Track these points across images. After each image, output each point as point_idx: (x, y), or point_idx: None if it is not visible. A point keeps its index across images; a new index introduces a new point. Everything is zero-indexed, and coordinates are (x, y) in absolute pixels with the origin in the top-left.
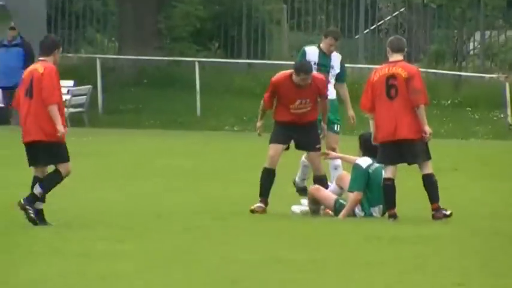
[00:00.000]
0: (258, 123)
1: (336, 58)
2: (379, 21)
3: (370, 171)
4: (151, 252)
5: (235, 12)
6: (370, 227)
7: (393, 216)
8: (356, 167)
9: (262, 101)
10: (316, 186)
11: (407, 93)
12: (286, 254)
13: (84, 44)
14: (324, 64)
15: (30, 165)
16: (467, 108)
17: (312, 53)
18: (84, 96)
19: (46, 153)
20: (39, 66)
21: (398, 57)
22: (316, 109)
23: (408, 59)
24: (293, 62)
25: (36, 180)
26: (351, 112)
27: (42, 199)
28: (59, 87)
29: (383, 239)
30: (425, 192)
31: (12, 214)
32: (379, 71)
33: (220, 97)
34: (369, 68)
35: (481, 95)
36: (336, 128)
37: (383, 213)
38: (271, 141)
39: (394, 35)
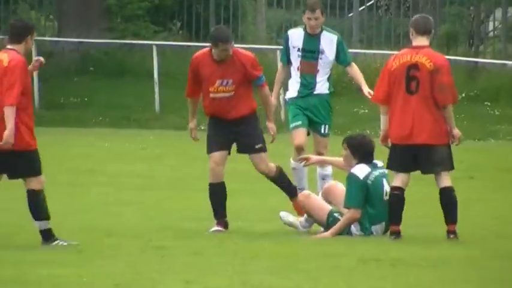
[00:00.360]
0: (190, 124)
1: (327, 40)
2: None
3: (369, 182)
4: (99, 279)
5: None
6: (366, 248)
7: (396, 233)
8: (352, 179)
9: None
10: (306, 192)
11: (430, 89)
12: (265, 280)
13: None
14: (310, 49)
15: None
16: (486, 103)
17: (296, 36)
18: None
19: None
20: (4, 57)
21: (424, 41)
22: (247, 99)
23: None
24: (272, 46)
25: None
26: (365, 88)
27: (43, 220)
28: (26, 83)
29: (382, 261)
30: (441, 209)
31: None
32: (400, 57)
33: (183, 89)
34: (364, 53)
35: (502, 86)
36: (323, 130)
37: (385, 231)
38: (208, 150)
39: (396, 12)
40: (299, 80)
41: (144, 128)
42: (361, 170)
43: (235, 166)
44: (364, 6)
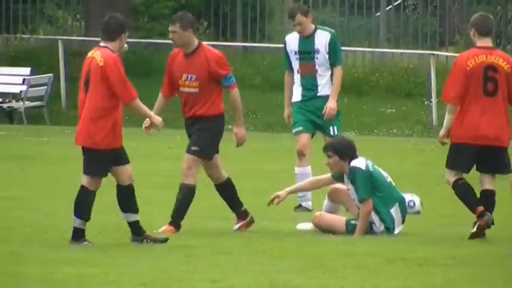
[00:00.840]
0: (148, 120)
1: (321, 38)
2: None
3: (371, 169)
4: (126, 278)
5: None
6: (393, 247)
7: (482, 214)
8: (357, 173)
9: None
10: (318, 213)
11: (507, 91)
12: (291, 279)
13: (42, 23)
14: (306, 50)
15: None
16: None
17: (292, 41)
18: (44, 87)
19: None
20: (97, 55)
21: (489, 42)
22: (211, 101)
23: (441, 41)
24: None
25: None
26: (330, 103)
27: (132, 210)
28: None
29: (409, 260)
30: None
31: None
32: (475, 57)
33: None
34: (392, 52)
35: None
36: (332, 132)
37: (401, 213)
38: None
39: (423, 11)
40: (300, 83)
41: (170, 127)
42: (360, 163)
43: (263, 166)
44: (391, 6)
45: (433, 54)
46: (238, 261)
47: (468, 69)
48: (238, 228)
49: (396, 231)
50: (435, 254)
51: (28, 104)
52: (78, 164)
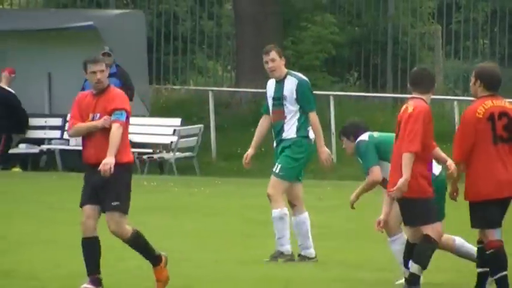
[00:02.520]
0: None
1: (289, 84)
2: None
3: (375, 138)
4: None
5: (379, 35)
6: None
7: None
8: (360, 145)
9: None
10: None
11: None
12: None
13: (193, 74)
14: (277, 96)
15: None
16: None
17: (270, 86)
18: (194, 138)
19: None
20: (410, 105)
21: None
22: (120, 147)
23: None
24: (450, 97)
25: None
26: (321, 150)
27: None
28: (429, 133)
29: None
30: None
31: None
32: None
33: None
34: None
35: None
36: (274, 168)
37: None
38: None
39: None
40: (273, 129)
41: (320, 178)
42: (363, 136)
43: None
44: None
45: None
46: None
47: None
48: None
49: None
50: None
51: (178, 154)
52: (228, 215)
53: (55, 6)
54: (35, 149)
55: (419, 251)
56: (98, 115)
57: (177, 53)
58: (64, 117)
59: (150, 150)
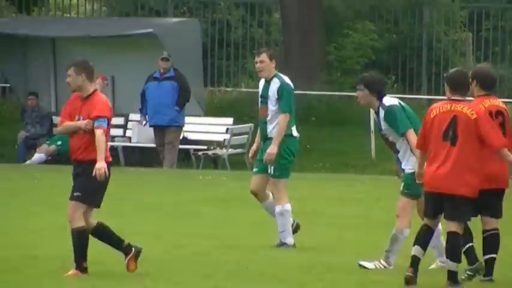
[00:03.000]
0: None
1: (274, 86)
2: None
3: (404, 105)
4: None
5: (415, 42)
6: None
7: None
8: (394, 109)
9: None
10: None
11: None
12: None
13: (244, 77)
14: (263, 94)
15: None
16: None
17: (260, 84)
18: (245, 136)
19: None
20: (464, 109)
21: None
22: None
23: None
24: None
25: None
26: (269, 149)
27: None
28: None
29: None
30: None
31: None
32: None
33: None
34: None
35: None
36: (269, 170)
37: None
38: None
39: None
40: (259, 125)
41: (361, 173)
42: (393, 101)
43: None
44: None
45: None
46: None
47: None
48: None
49: None
50: None
51: (231, 151)
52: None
53: (118, 15)
54: None
55: (452, 248)
56: (81, 118)
57: (230, 58)
58: (126, 116)
59: (205, 147)
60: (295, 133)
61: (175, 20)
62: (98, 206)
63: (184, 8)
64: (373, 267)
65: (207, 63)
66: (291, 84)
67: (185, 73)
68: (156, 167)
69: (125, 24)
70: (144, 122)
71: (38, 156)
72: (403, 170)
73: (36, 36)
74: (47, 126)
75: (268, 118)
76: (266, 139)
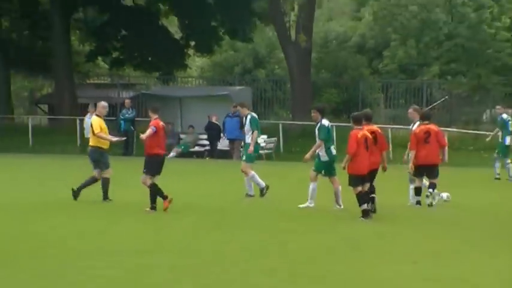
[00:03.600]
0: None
1: (247, 118)
2: None
3: (329, 127)
4: None
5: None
6: None
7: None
8: (323, 127)
9: None
10: None
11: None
12: None
13: (271, 114)
14: (244, 123)
15: None
16: None
17: (241, 118)
18: (271, 144)
19: None
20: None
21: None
22: None
23: None
24: None
25: None
26: (249, 149)
27: None
28: None
29: None
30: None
31: None
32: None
33: None
34: None
35: None
36: (242, 156)
37: None
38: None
39: None
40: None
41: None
42: (326, 122)
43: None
44: None
45: None
46: None
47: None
48: None
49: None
50: None
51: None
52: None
53: (209, 84)
54: (203, 148)
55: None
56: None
57: (267, 107)
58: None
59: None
60: (260, 140)
61: (238, 87)
62: (155, 175)
63: (244, 82)
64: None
65: (256, 109)
66: (256, 116)
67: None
68: (229, 159)
69: (216, 89)
70: (224, 137)
71: (172, 153)
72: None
73: (172, 96)
74: (176, 139)
75: (246, 136)
76: (245, 144)
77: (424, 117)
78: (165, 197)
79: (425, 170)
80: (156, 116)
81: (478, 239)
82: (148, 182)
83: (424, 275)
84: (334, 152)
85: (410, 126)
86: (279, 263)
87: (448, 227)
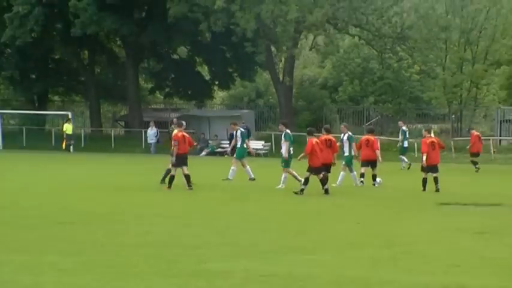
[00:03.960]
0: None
1: (238, 131)
2: None
3: (290, 134)
4: None
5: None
6: None
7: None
8: (286, 134)
9: None
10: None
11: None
12: None
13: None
14: (236, 135)
15: None
16: None
17: (236, 131)
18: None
19: None
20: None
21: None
22: None
23: None
24: None
25: None
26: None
27: None
28: None
29: None
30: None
31: None
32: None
33: None
34: None
35: None
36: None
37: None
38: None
39: None
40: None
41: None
42: (288, 131)
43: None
44: None
45: None
46: None
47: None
48: None
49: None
50: None
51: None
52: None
53: (227, 108)
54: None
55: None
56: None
57: (266, 123)
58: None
59: (254, 150)
60: (244, 145)
61: (246, 111)
62: (179, 166)
63: (249, 107)
64: None
65: (257, 124)
66: (244, 130)
67: (246, 128)
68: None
69: (231, 112)
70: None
71: (203, 153)
72: None
73: (203, 115)
74: (206, 143)
75: (238, 143)
76: (236, 146)
77: (367, 131)
78: (170, 187)
79: (369, 163)
80: (180, 129)
81: (398, 207)
82: (173, 172)
83: (365, 232)
84: (292, 151)
85: (341, 136)
86: (272, 223)
87: (379, 200)
